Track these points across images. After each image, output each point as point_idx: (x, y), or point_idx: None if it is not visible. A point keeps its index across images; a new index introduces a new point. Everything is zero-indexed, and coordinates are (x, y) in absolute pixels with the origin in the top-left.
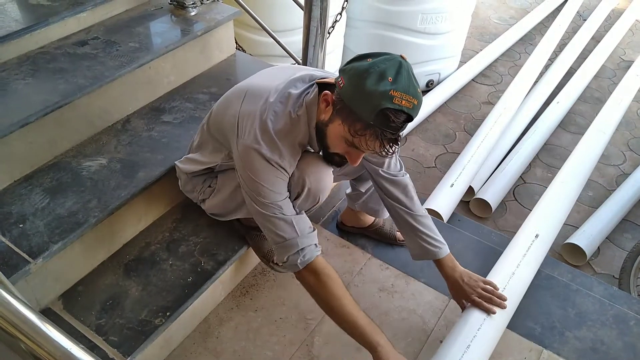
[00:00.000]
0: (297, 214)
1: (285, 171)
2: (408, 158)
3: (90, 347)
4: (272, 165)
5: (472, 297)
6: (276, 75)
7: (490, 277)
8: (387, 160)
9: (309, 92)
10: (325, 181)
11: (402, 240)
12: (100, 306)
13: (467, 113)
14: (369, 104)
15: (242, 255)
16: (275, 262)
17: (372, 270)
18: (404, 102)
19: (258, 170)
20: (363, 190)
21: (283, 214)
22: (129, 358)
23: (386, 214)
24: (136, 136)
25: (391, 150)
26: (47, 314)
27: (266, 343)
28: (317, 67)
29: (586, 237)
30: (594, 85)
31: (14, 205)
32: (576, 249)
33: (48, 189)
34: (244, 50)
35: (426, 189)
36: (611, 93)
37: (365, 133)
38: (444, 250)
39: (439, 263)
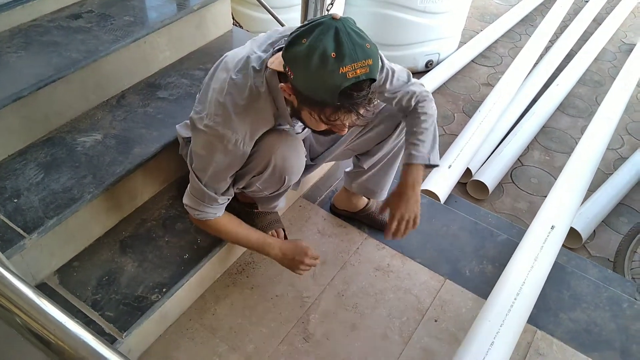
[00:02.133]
0: (217, 191)
1: (238, 148)
2: None
3: (86, 322)
4: (222, 145)
5: (395, 218)
6: (255, 40)
7: (509, 269)
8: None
9: (267, 71)
10: (292, 161)
11: None
12: (96, 282)
13: (466, 94)
14: (327, 89)
15: None
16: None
17: (369, 250)
18: (358, 71)
19: (204, 147)
20: (365, 168)
21: (205, 186)
22: (125, 333)
23: (383, 196)
24: (131, 112)
25: (370, 112)
26: (43, 289)
27: (262, 320)
28: None
29: (582, 220)
30: (594, 68)
31: (8, 180)
32: (572, 232)
33: (42, 164)
34: (240, 27)
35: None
36: (611, 76)
37: (337, 114)
38: (419, 158)
39: (407, 168)
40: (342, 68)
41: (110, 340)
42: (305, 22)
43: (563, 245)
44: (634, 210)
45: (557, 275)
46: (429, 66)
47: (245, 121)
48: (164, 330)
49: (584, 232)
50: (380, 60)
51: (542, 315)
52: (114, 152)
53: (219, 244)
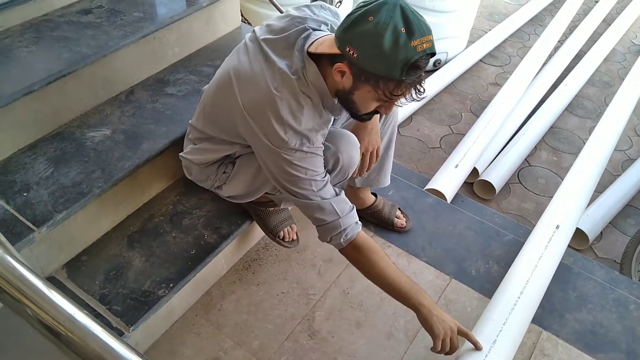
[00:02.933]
0: (336, 194)
1: (319, 153)
2: (413, 138)
3: (94, 316)
4: (306, 153)
5: (360, 152)
6: (255, 56)
7: (513, 269)
8: None
9: (304, 67)
10: (356, 157)
11: (400, 227)
12: (104, 276)
13: (473, 94)
14: (396, 64)
15: (245, 229)
16: (280, 237)
17: None
18: (424, 45)
19: (292, 164)
20: None
21: (322, 198)
22: (132, 327)
23: (387, 182)
24: (140, 107)
25: (424, 88)
26: (51, 282)
27: (267, 317)
28: None
29: (589, 221)
30: (603, 68)
31: (18, 174)
32: (579, 233)
33: (52, 158)
34: (249, 23)
35: (430, 169)
36: (620, 77)
37: (400, 88)
38: None
39: None
40: (413, 42)
41: (117, 335)
42: (363, 2)
43: (570, 246)
44: None
45: (563, 276)
46: (437, 65)
47: (308, 128)
48: (170, 325)
49: (591, 233)
50: None
51: (547, 315)
52: (122, 148)
53: (225, 241)
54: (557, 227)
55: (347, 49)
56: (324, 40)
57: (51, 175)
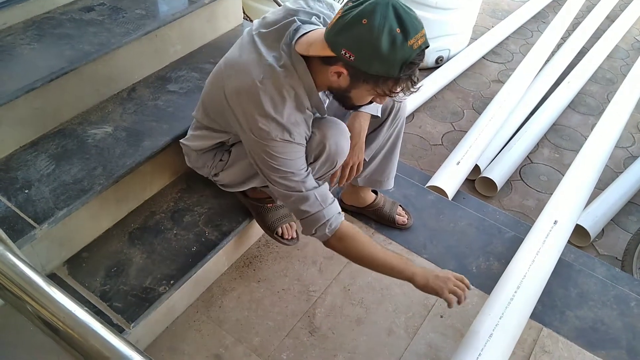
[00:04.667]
0: (317, 186)
1: (301, 145)
2: (415, 135)
3: (95, 313)
4: (287, 145)
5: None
6: (247, 48)
7: (511, 265)
8: None
9: (292, 61)
10: (345, 145)
11: (401, 224)
12: (105, 273)
13: (476, 91)
14: (394, 64)
15: (246, 226)
16: (278, 233)
17: None
18: (419, 41)
19: (273, 156)
20: (366, 159)
21: (306, 189)
22: (132, 324)
23: (390, 185)
24: (142, 105)
25: (418, 78)
26: (52, 279)
27: (268, 313)
28: None
29: (591, 218)
30: (606, 65)
31: (20, 171)
32: (580, 230)
33: (53, 155)
34: (251, 21)
35: (432, 167)
36: (623, 74)
37: (399, 84)
38: (369, 108)
39: (356, 116)
40: (409, 41)
41: (118, 331)
42: (353, 3)
43: (571, 243)
44: None
45: (564, 273)
46: (439, 62)
47: (291, 120)
48: (171, 322)
49: (593, 230)
50: None
51: (548, 312)
52: (124, 145)
53: (226, 238)
54: (555, 222)
55: (343, 52)
56: (313, 40)
57: (53, 172)
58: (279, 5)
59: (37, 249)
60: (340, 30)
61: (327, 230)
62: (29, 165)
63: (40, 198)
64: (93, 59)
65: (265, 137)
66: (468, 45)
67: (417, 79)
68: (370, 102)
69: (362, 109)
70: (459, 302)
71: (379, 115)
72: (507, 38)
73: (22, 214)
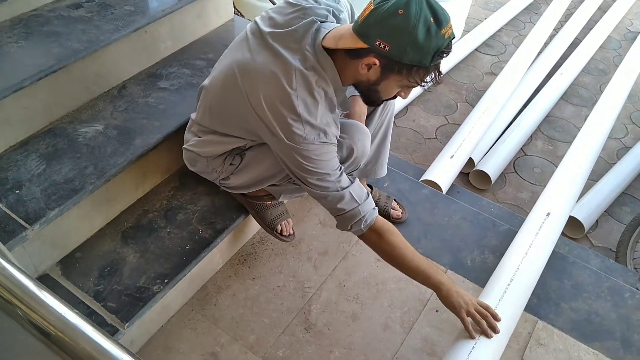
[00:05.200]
0: (351, 183)
1: (334, 144)
2: (408, 129)
3: (88, 313)
4: (324, 146)
5: None
6: (261, 51)
7: (504, 258)
8: None
9: (319, 61)
10: (368, 146)
11: (396, 218)
12: (98, 272)
13: (469, 84)
14: (428, 53)
15: (240, 224)
16: (278, 231)
17: None
18: (449, 31)
19: (310, 159)
20: None
21: (341, 188)
22: (127, 324)
23: (383, 173)
24: (132, 102)
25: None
26: (45, 280)
27: (264, 311)
28: None
29: (585, 210)
30: (598, 56)
31: (10, 171)
32: (574, 222)
33: (44, 155)
34: (242, 16)
35: (426, 160)
36: (616, 65)
37: (427, 74)
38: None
39: (356, 99)
40: (443, 30)
41: (112, 331)
42: None
43: (565, 235)
44: (637, 200)
45: (558, 265)
46: None
47: (323, 121)
48: (166, 321)
49: (587, 222)
50: None
51: (543, 305)
52: (115, 143)
53: (220, 235)
54: (548, 214)
55: (377, 43)
56: (341, 35)
57: (43, 172)
58: (273, 2)
59: (29, 250)
60: (375, 22)
61: (362, 226)
62: (19, 166)
63: (31, 198)
64: (82, 57)
65: (301, 142)
66: (461, 37)
67: (440, 70)
68: (395, 97)
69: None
70: (486, 335)
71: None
72: (499, 30)
73: (13, 215)
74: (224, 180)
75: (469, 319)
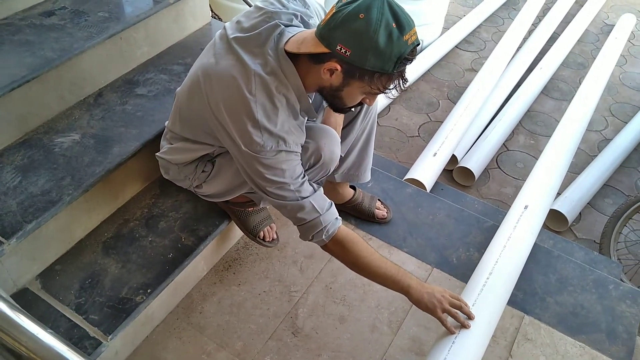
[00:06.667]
0: (314, 191)
1: (296, 153)
2: (391, 128)
3: (70, 327)
4: (283, 154)
5: None
6: (224, 56)
7: (485, 254)
8: None
9: (280, 66)
10: (337, 151)
11: (381, 218)
12: (79, 285)
13: (450, 81)
14: (390, 59)
15: (223, 230)
16: (260, 237)
17: None
18: (412, 37)
19: (268, 167)
20: (342, 155)
21: (301, 198)
22: (110, 336)
23: (367, 178)
24: (109, 110)
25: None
26: (24, 294)
27: (250, 317)
28: None
29: (568, 203)
30: (577, 50)
31: None
32: (558, 215)
33: (19, 167)
34: (219, 19)
35: (410, 158)
36: (594, 57)
37: (390, 81)
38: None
39: (327, 110)
40: (405, 36)
41: (95, 344)
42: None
43: (549, 229)
44: (619, 192)
45: (543, 260)
46: None
47: (285, 129)
48: (151, 331)
49: (570, 214)
50: None
51: (529, 300)
52: (92, 152)
53: (203, 242)
54: (526, 207)
55: (339, 47)
56: (304, 39)
57: (19, 184)
58: (249, 5)
59: (7, 265)
60: (336, 26)
61: (324, 236)
62: None
63: (7, 212)
64: (56, 65)
65: (259, 150)
66: (441, 35)
67: (406, 77)
68: (360, 104)
69: None
70: (464, 326)
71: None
72: (479, 26)
73: None
74: (198, 188)
75: (445, 316)
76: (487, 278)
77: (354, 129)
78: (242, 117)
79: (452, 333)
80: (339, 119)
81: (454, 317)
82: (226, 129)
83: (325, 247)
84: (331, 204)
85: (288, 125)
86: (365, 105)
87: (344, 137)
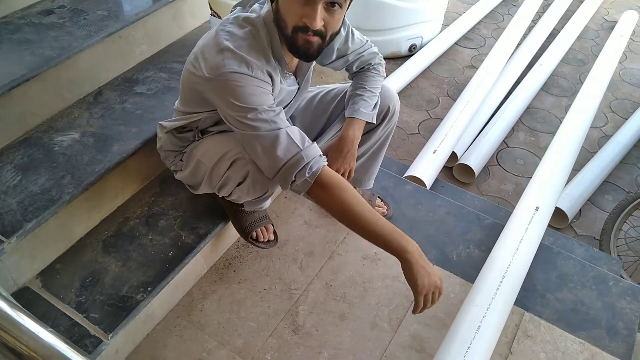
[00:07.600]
0: (289, 125)
1: (264, 82)
2: None
3: (71, 325)
4: (247, 78)
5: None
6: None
7: (494, 253)
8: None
9: (261, 8)
10: None
11: (382, 215)
12: (79, 283)
13: (450, 77)
14: None
15: (223, 228)
16: (253, 237)
17: (356, 239)
18: None
19: (233, 92)
20: None
21: (278, 127)
22: (110, 334)
23: (370, 185)
24: (109, 109)
25: None
26: (25, 293)
27: (250, 314)
28: None
29: (568, 199)
30: (577, 46)
31: None
32: (558, 212)
33: (19, 165)
34: (219, 17)
35: (410, 156)
36: (594, 54)
37: None
38: (366, 116)
39: (351, 122)
40: None
41: (96, 343)
42: None
43: (550, 225)
44: (619, 188)
45: (543, 257)
46: (412, 50)
47: (251, 56)
48: (152, 329)
49: (570, 211)
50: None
51: (529, 297)
52: (92, 151)
53: (203, 240)
54: (537, 209)
55: None
56: None
57: (19, 183)
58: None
59: (7, 264)
60: None
61: (307, 175)
62: None
63: (7, 211)
64: (55, 64)
65: (222, 72)
66: (440, 31)
67: None
68: (306, 29)
69: (358, 115)
70: (415, 309)
71: (374, 122)
72: (478, 23)
73: None
74: (175, 174)
75: (421, 299)
76: (501, 282)
77: (372, 136)
78: (209, 48)
79: (413, 313)
80: (358, 132)
81: (425, 302)
82: (195, 67)
83: (309, 192)
84: (312, 142)
85: (256, 55)
86: (389, 115)
87: (361, 143)
